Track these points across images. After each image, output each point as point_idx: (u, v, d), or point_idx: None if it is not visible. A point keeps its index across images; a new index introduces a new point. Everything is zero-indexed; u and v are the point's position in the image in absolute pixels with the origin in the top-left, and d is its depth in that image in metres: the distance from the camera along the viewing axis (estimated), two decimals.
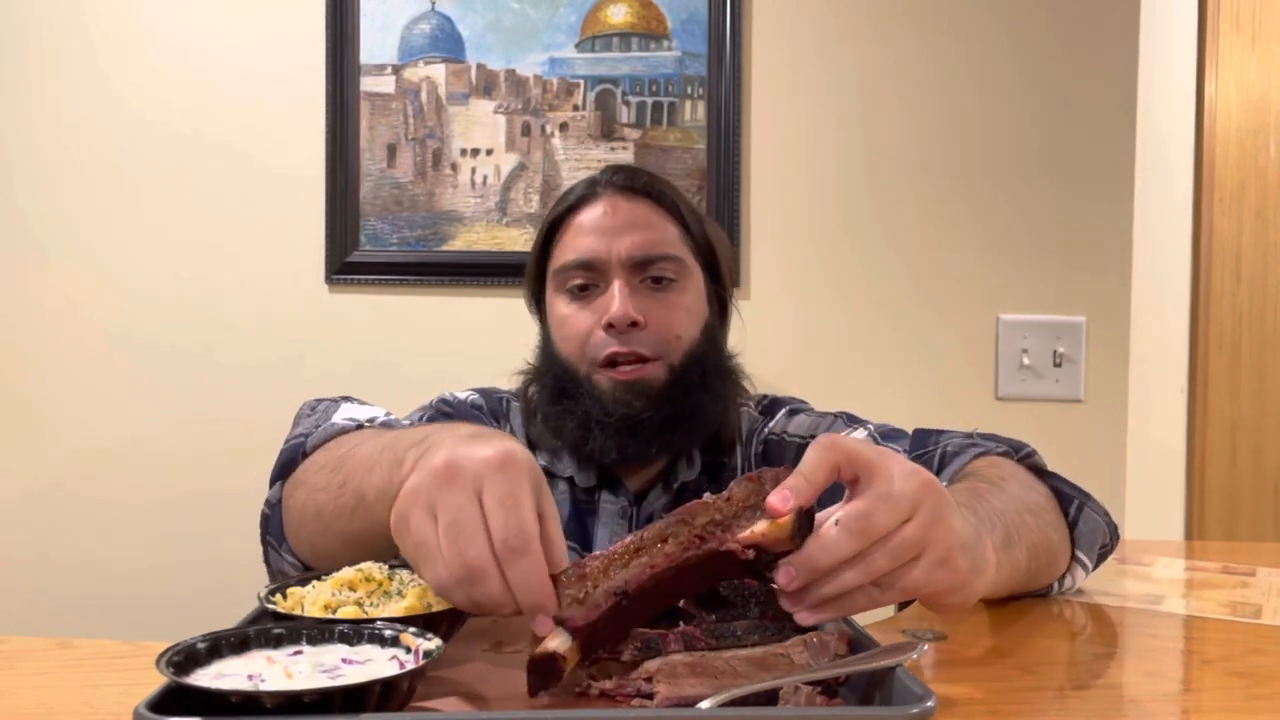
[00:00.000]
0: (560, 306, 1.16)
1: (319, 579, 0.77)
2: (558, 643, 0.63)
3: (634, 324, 1.11)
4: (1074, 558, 0.95)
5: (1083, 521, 0.95)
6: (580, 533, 1.16)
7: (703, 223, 1.21)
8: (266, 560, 1.00)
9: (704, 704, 0.60)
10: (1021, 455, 1.01)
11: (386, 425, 0.98)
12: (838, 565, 0.65)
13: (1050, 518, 0.92)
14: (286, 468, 0.96)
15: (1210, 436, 2.07)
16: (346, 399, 1.10)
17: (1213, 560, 1.10)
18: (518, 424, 1.26)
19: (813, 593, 0.66)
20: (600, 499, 1.18)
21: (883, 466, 0.66)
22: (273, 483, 0.97)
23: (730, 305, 1.26)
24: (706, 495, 0.68)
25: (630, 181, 1.17)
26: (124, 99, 1.78)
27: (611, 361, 1.11)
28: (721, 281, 1.23)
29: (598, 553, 0.67)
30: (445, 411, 1.23)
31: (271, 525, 0.97)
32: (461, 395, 1.26)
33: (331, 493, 0.87)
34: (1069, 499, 0.96)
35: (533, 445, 1.23)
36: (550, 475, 1.19)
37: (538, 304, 1.24)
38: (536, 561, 0.64)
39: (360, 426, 0.96)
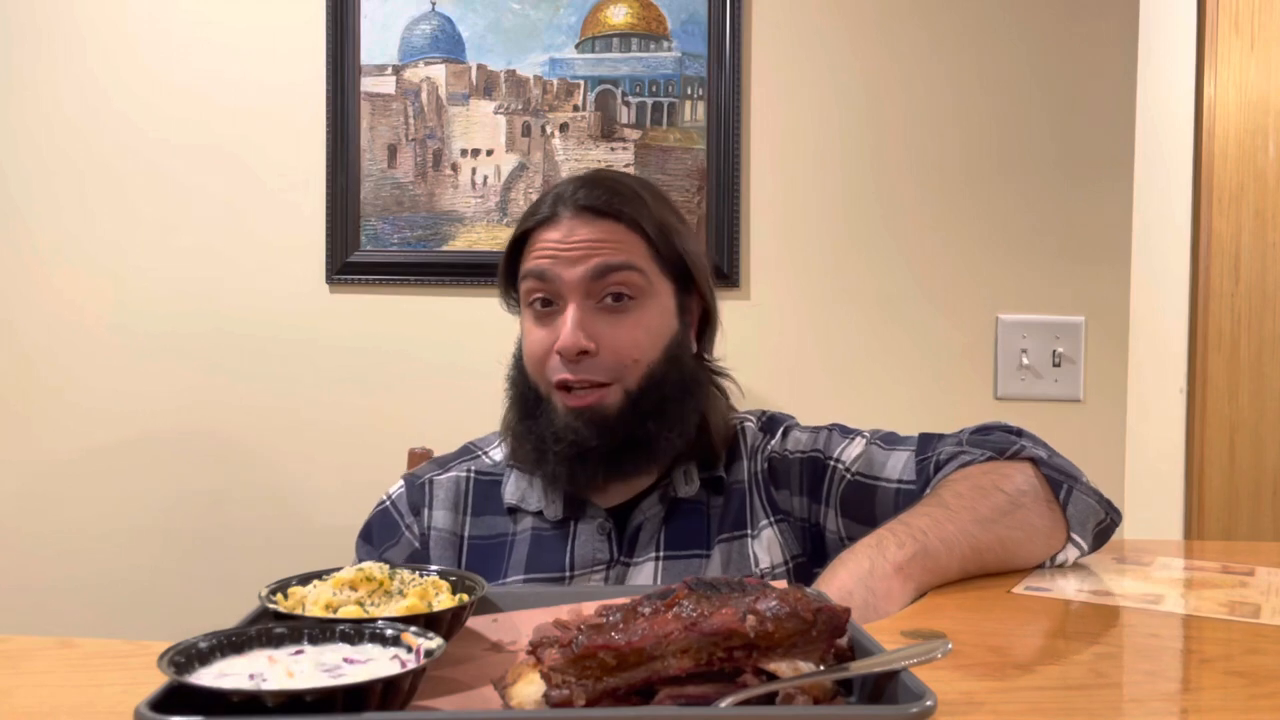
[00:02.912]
0: (526, 321, 1.16)
1: (320, 578, 0.77)
2: (534, 689, 0.62)
3: (584, 352, 1.09)
4: (1069, 538, 1.02)
5: (1071, 504, 1.03)
6: (551, 561, 1.15)
7: (671, 234, 1.16)
8: None
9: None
10: (1009, 454, 1.07)
11: None
12: None
13: (1024, 514, 1.01)
14: None
15: (1209, 437, 2.07)
16: None
17: (1211, 560, 1.10)
18: (494, 458, 1.25)
19: None
20: (575, 526, 1.16)
21: None
22: None
23: (714, 314, 1.22)
24: (748, 620, 0.61)
25: (590, 201, 1.14)
26: (124, 100, 1.78)
27: (564, 385, 1.11)
28: (697, 291, 1.19)
29: (611, 640, 0.60)
30: (365, 549, 1.23)
31: None
32: (392, 490, 1.25)
33: None
34: (1058, 485, 1.03)
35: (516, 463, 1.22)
36: (516, 510, 1.19)
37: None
38: None
39: None
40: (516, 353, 1.20)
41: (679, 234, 1.17)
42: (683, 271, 1.17)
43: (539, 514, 1.17)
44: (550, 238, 1.13)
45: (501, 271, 1.20)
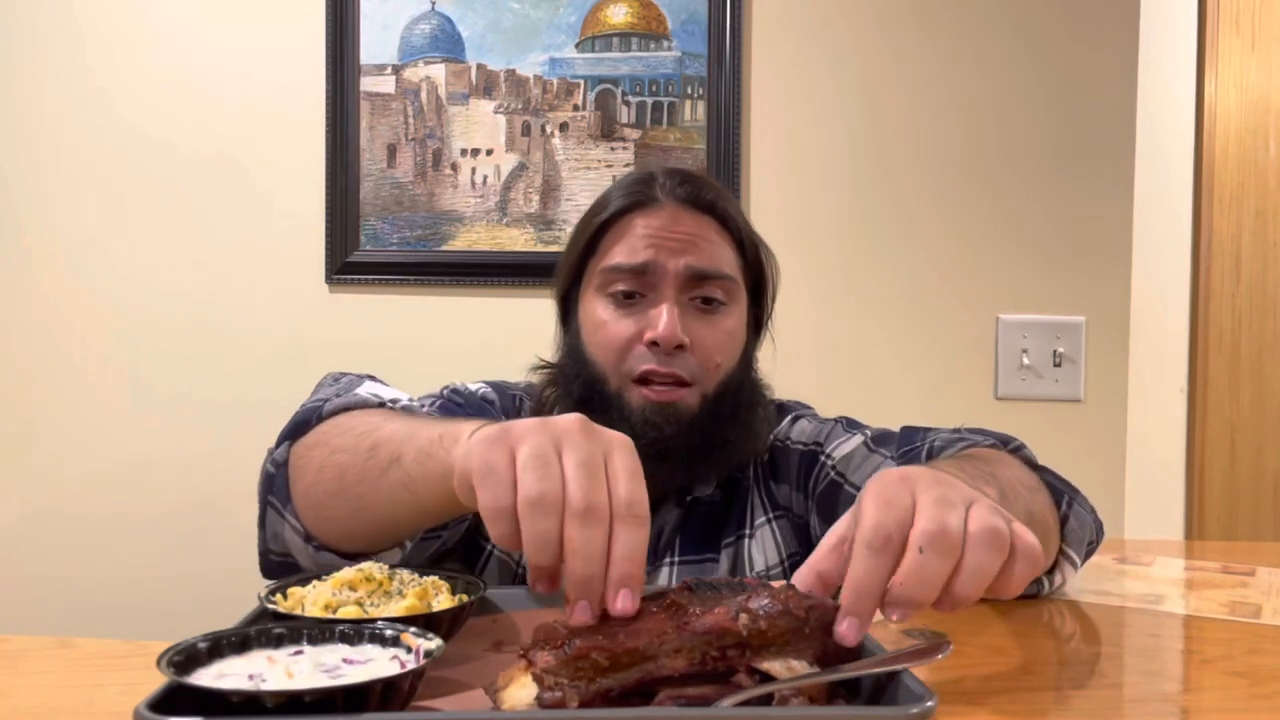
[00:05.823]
0: (599, 310, 1.10)
1: (319, 579, 0.77)
2: (525, 693, 0.61)
3: (679, 346, 1.06)
4: (1062, 552, 0.93)
5: (1073, 517, 0.94)
6: None
7: (756, 244, 1.16)
8: (263, 524, 0.93)
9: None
10: (1011, 448, 1.00)
11: (408, 410, 0.95)
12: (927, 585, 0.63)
13: (1041, 497, 0.91)
14: (300, 428, 0.91)
15: (1209, 436, 2.07)
16: (371, 377, 1.04)
17: (1212, 560, 1.10)
18: None
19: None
20: None
21: (861, 508, 0.65)
22: (280, 442, 0.92)
23: (766, 328, 1.20)
24: (741, 618, 0.60)
25: (696, 195, 1.11)
26: (123, 100, 1.78)
27: (645, 378, 1.06)
28: (762, 304, 1.18)
29: (605, 641, 0.60)
30: (456, 402, 1.17)
31: (276, 485, 0.90)
32: (473, 387, 1.21)
33: (359, 455, 0.83)
34: (1060, 494, 0.95)
35: None
36: None
37: (565, 300, 1.18)
38: (643, 534, 0.61)
39: (383, 405, 0.93)
40: (568, 345, 1.15)
41: (762, 246, 1.16)
42: (757, 282, 1.16)
43: None
44: (651, 224, 1.09)
45: (574, 255, 1.15)
